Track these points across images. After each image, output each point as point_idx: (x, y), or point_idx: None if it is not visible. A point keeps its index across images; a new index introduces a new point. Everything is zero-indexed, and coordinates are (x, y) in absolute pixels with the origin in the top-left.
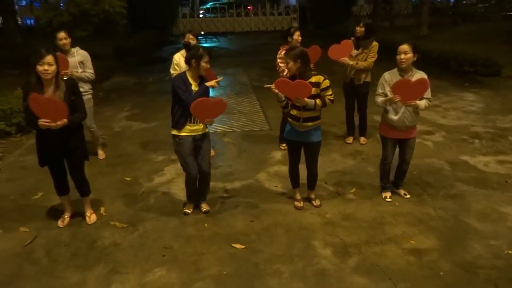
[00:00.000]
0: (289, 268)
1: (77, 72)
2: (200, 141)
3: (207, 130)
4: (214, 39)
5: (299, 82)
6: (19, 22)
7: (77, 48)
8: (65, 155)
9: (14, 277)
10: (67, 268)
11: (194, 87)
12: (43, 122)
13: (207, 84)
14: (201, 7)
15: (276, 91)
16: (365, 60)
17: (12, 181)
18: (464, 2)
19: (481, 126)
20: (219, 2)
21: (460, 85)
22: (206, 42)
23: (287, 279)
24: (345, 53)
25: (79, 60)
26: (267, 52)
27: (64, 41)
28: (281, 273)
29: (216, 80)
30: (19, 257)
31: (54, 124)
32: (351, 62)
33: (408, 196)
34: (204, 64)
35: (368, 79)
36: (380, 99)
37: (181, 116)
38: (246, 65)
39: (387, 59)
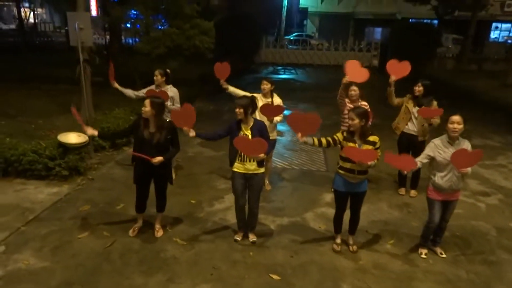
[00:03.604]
0: None
1: (169, 105)
2: (251, 179)
3: (260, 171)
4: (292, 71)
5: (368, 151)
6: (123, 41)
7: (171, 85)
8: (153, 176)
9: (95, 271)
10: (135, 271)
11: (244, 131)
12: (144, 157)
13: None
14: (285, 37)
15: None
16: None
17: (102, 191)
18: None
19: None
20: (304, 33)
21: None
22: (284, 73)
23: None
24: (403, 73)
25: (171, 96)
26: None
27: (155, 77)
28: None
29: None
30: (101, 256)
31: (153, 161)
32: (433, 121)
33: (444, 255)
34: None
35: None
36: (419, 158)
37: (231, 154)
38: (318, 101)
39: (460, 107)
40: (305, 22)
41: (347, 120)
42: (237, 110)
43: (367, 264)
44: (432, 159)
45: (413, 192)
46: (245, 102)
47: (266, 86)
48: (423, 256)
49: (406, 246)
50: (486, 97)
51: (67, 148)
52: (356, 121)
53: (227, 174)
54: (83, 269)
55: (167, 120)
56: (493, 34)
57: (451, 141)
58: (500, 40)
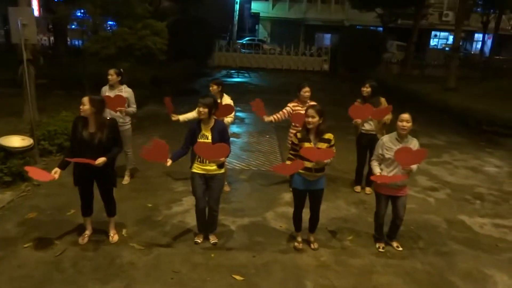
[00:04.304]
0: None
1: (125, 106)
2: (211, 180)
3: (220, 171)
4: (246, 74)
5: (325, 150)
6: (68, 43)
7: (125, 85)
8: (95, 178)
9: (44, 282)
10: (89, 280)
11: (204, 132)
12: (86, 161)
13: None
14: (238, 41)
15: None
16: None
17: (50, 197)
18: (497, 57)
19: (486, 187)
20: (256, 38)
21: (476, 144)
22: (238, 77)
23: None
24: (366, 115)
25: (125, 96)
26: (295, 93)
27: (110, 76)
28: None
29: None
30: (50, 265)
31: (96, 163)
32: (386, 118)
33: (401, 248)
34: (197, 108)
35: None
36: (373, 166)
37: (191, 155)
38: (272, 104)
39: (406, 109)
40: (257, 27)
41: (294, 125)
42: (201, 109)
43: (328, 261)
44: (383, 156)
45: (368, 189)
46: (210, 102)
47: (212, 87)
48: (381, 250)
49: (365, 241)
50: (430, 100)
51: (9, 152)
52: (316, 118)
53: (184, 176)
54: (30, 280)
55: (108, 118)
56: (433, 42)
57: (400, 138)
58: (439, 47)
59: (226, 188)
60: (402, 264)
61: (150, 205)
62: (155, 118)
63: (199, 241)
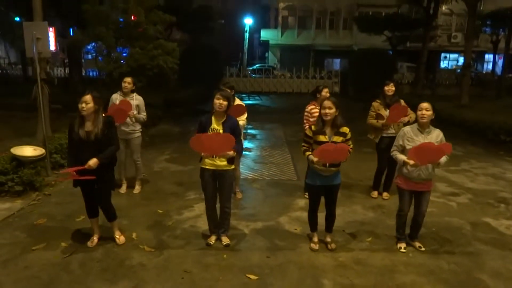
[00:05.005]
0: None
1: (134, 113)
2: (221, 176)
3: (230, 167)
4: (257, 98)
5: (339, 150)
6: (83, 74)
7: (135, 94)
8: (94, 181)
9: (52, 282)
10: (97, 280)
11: (215, 126)
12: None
13: None
14: (248, 67)
15: (315, 159)
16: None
17: (61, 205)
18: (510, 75)
19: (509, 192)
20: (266, 65)
21: (495, 153)
22: (249, 100)
23: None
24: (402, 115)
25: (136, 104)
26: (313, 96)
27: (127, 84)
28: None
29: None
30: (58, 266)
31: (86, 166)
32: (409, 117)
33: (423, 248)
34: (215, 100)
35: None
36: (397, 155)
37: None
38: (283, 122)
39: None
40: (266, 54)
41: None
42: (221, 102)
43: (347, 261)
44: (404, 147)
45: (385, 194)
46: (229, 95)
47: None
48: (402, 250)
49: (385, 242)
50: (444, 115)
51: (21, 162)
52: (333, 109)
53: (196, 185)
54: (37, 281)
55: (103, 115)
56: (443, 64)
57: (421, 128)
58: (449, 68)
59: (239, 195)
60: (426, 263)
61: (160, 211)
62: (166, 136)
63: (211, 242)
